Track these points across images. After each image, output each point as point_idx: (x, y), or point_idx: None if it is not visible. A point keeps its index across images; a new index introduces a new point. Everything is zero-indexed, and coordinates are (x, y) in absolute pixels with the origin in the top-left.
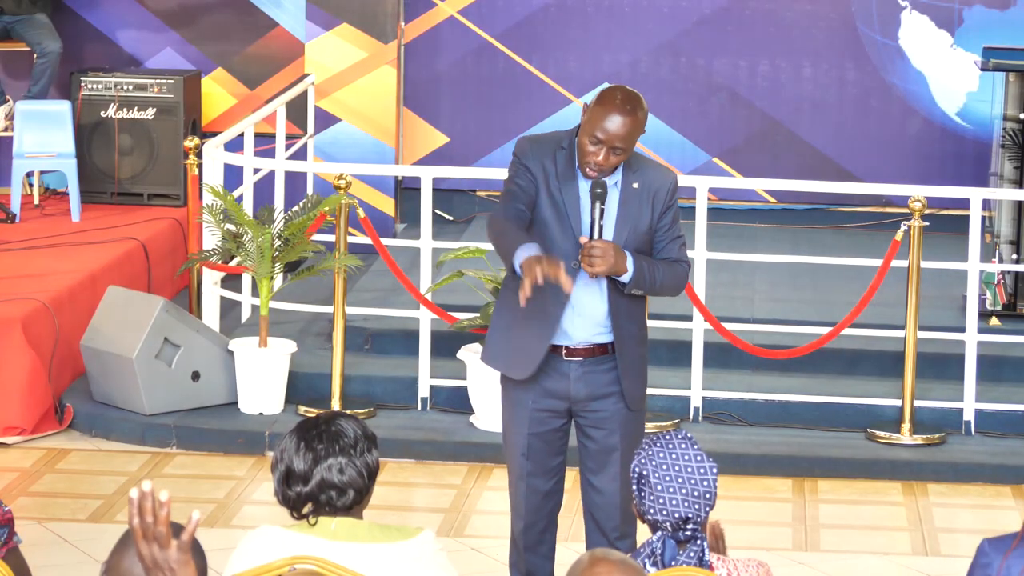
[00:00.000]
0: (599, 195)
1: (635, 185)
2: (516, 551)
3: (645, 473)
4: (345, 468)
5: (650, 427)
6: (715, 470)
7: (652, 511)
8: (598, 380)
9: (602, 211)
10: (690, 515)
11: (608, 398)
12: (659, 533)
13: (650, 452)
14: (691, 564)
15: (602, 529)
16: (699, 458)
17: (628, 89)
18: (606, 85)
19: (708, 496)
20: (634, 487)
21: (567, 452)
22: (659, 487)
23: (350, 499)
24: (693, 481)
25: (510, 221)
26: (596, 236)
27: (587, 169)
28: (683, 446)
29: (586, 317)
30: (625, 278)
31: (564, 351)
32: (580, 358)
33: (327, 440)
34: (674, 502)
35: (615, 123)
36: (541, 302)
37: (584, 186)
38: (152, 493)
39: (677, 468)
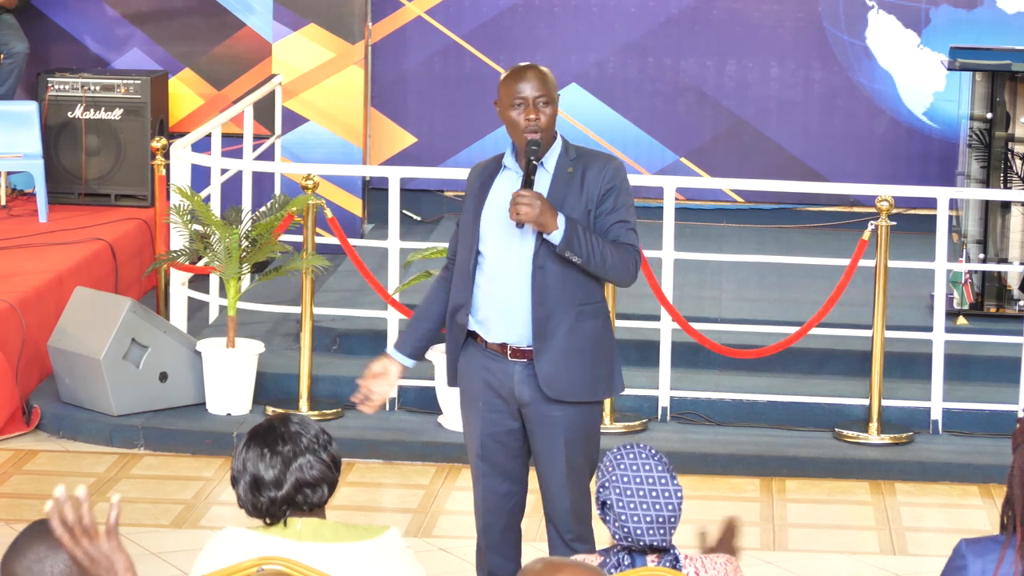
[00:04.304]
0: (533, 151)
1: (569, 170)
2: (479, 551)
3: (609, 502)
4: (315, 464)
5: (618, 427)
6: (680, 493)
7: (617, 536)
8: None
9: (535, 166)
10: (655, 542)
11: (551, 403)
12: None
13: (614, 476)
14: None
15: (558, 531)
16: (663, 480)
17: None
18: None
19: (673, 520)
20: (599, 511)
21: (527, 454)
22: (623, 516)
23: (325, 494)
24: (658, 506)
25: (435, 285)
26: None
27: (527, 133)
28: (647, 467)
29: (514, 315)
30: (555, 236)
31: (509, 352)
32: (525, 360)
33: (291, 442)
34: (639, 531)
35: (525, 78)
36: (452, 312)
37: (517, 177)
38: (68, 497)
39: (642, 494)
